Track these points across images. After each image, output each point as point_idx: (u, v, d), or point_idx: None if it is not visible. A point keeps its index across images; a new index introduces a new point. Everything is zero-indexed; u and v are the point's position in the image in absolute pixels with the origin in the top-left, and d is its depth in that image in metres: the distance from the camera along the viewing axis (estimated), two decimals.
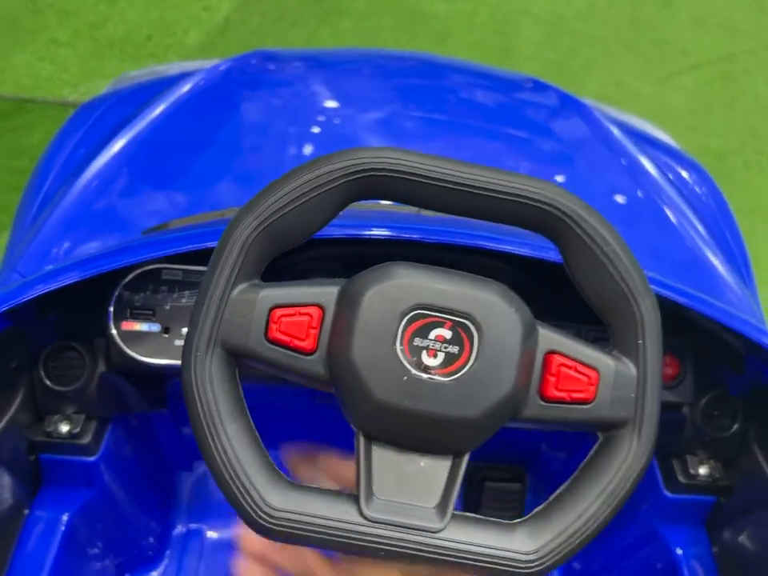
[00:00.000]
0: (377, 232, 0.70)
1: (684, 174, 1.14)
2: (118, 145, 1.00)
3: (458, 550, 0.49)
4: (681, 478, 0.82)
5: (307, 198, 0.50)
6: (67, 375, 0.76)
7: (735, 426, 0.80)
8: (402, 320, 0.49)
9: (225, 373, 0.50)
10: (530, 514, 0.52)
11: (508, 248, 0.69)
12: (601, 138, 1.08)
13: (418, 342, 0.48)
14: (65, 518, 0.83)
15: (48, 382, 0.76)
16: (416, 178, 0.50)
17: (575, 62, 2.57)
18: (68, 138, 1.11)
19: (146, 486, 1.03)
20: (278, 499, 0.49)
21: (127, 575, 1.03)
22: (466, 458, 0.51)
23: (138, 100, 1.15)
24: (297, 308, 0.50)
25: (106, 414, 0.83)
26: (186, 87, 1.16)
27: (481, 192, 0.51)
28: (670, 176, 1.09)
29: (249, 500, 0.48)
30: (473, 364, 0.48)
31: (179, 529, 1.10)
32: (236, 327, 0.49)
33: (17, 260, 0.88)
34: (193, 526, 1.11)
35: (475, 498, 1.13)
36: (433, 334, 0.49)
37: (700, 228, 0.95)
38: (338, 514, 0.50)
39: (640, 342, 0.51)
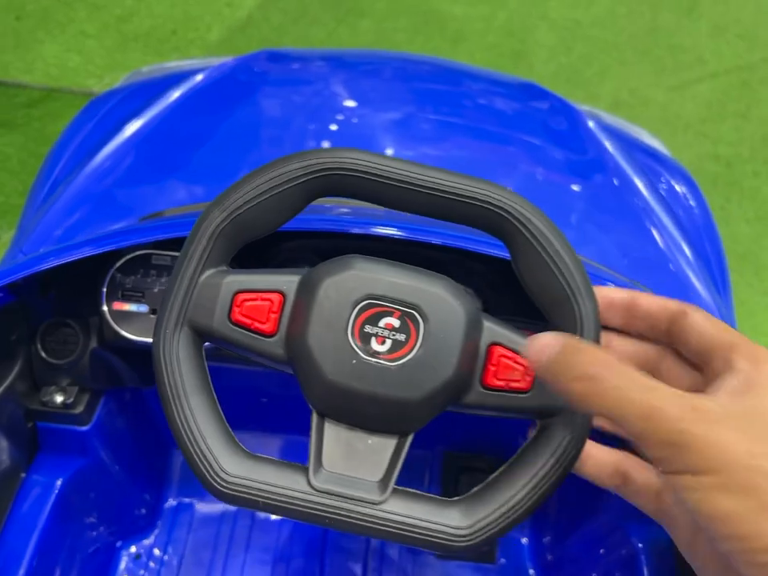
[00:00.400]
0: (385, 230, 0.73)
1: (676, 186, 1.16)
2: (123, 136, 1.06)
3: (396, 521, 0.53)
4: None
5: (272, 194, 0.54)
6: (62, 349, 0.82)
7: None
8: (354, 308, 0.53)
9: (191, 350, 0.55)
10: (468, 494, 0.56)
11: (480, 248, 0.72)
12: (593, 152, 1.10)
13: (368, 329, 0.53)
14: (59, 482, 0.89)
15: (44, 355, 0.82)
16: (374, 178, 0.54)
17: (589, 68, 2.58)
18: (80, 127, 1.17)
19: (138, 459, 1.08)
20: (232, 466, 0.54)
21: (120, 542, 1.09)
22: (410, 438, 0.56)
23: (146, 94, 1.21)
24: (259, 293, 0.55)
25: (99, 386, 0.88)
26: (191, 83, 1.22)
27: (434, 192, 0.54)
28: (662, 191, 1.11)
29: (206, 465, 0.53)
30: (417, 351, 0.52)
31: (170, 502, 1.16)
32: (202, 309, 0.54)
33: (24, 241, 0.94)
34: (184, 500, 1.16)
35: (452, 487, 1.17)
36: (382, 323, 0.53)
37: (684, 247, 0.97)
38: (287, 483, 0.54)
39: (578, 337, 0.55)
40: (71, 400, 0.85)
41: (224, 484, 0.53)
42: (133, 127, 1.08)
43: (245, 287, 0.55)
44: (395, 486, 0.55)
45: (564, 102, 1.22)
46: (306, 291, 0.54)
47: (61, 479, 0.89)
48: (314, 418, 0.55)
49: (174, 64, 1.39)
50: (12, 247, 0.95)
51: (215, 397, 0.56)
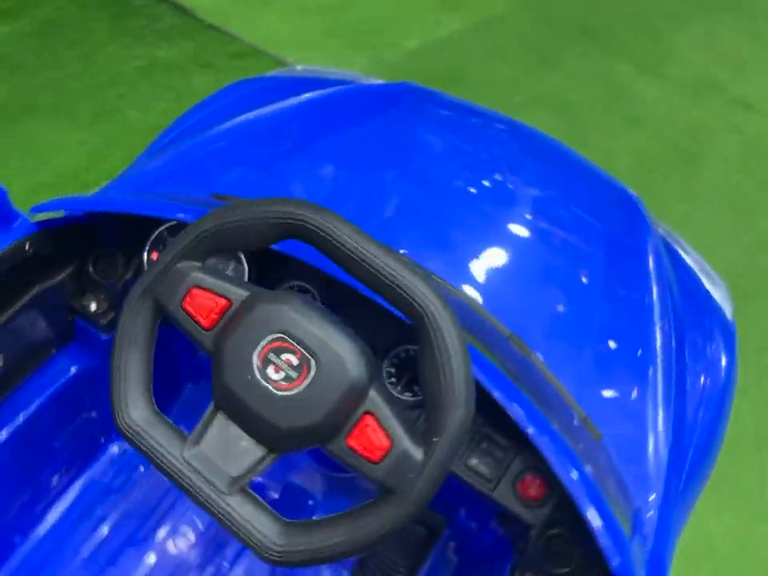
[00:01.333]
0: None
1: (712, 345, 1.13)
2: (241, 119, 1.24)
3: (229, 514, 0.65)
4: None
5: (243, 224, 0.67)
6: (106, 272, 1.02)
7: (566, 570, 0.84)
8: (269, 336, 0.65)
9: (148, 317, 0.70)
10: (300, 521, 0.66)
11: None
12: (635, 288, 1.09)
13: (271, 356, 0.64)
14: (73, 369, 1.10)
15: (91, 270, 1.02)
16: (332, 240, 0.65)
17: (757, 195, 2.42)
18: (220, 98, 1.38)
19: None
20: (135, 413, 0.68)
21: (113, 437, 1.29)
22: (275, 456, 0.66)
23: (288, 90, 1.38)
24: (210, 294, 0.68)
25: None
26: (329, 90, 1.37)
27: (370, 268, 0.64)
28: (688, 345, 1.08)
29: (119, 405, 0.68)
30: (300, 391, 0.63)
31: None
32: (166, 289, 0.69)
33: (126, 178, 1.15)
34: (181, 427, 1.35)
35: None
36: (284, 356, 0.64)
37: (660, 418, 0.94)
38: (166, 444, 0.68)
39: (436, 440, 0.62)
40: (101, 311, 1.04)
41: (124, 426, 0.68)
42: (253, 115, 1.26)
43: (202, 284, 0.69)
44: (246, 488, 0.66)
45: (643, 227, 1.22)
46: (246, 307, 0.67)
47: (76, 367, 1.10)
48: (211, 406, 0.68)
49: (325, 69, 1.55)
50: (118, 179, 1.17)
51: (152, 357, 0.71)
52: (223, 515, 0.66)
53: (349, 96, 1.39)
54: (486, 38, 2.86)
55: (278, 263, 0.96)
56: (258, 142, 1.21)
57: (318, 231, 0.65)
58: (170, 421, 0.70)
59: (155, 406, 0.71)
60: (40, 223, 0.92)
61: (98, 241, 1.02)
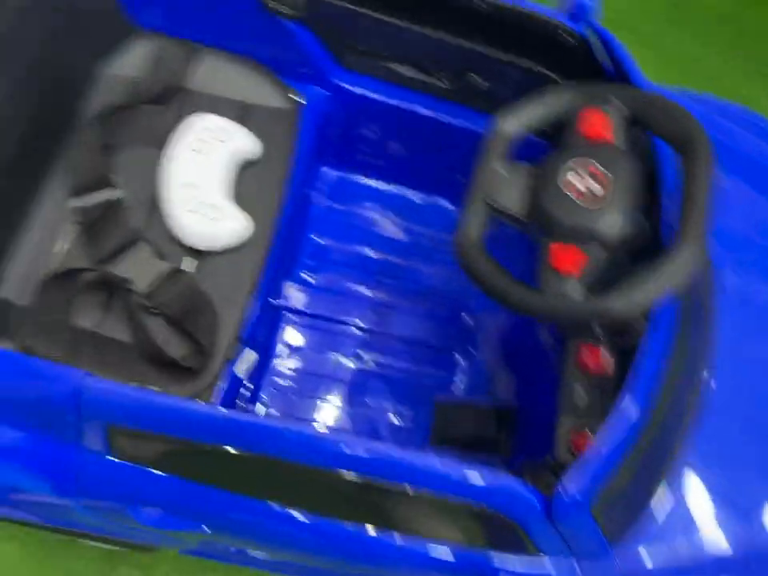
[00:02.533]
0: None
1: None
2: None
3: (470, 205, 0.91)
4: None
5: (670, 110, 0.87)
6: None
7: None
8: (592, 158, 0.86)
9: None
10: (498, 265, 0.87)
11: None
12: None
13: (582, 172, 0.85)
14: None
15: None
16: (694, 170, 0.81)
17: None
18: None
19: None
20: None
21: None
22: (525, 223, 0.89)
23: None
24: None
25: None
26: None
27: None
28: None
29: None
30: (575, 205, 0.84)
31: None
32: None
33: None
34: None
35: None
36: (593, 180, 0.85)
37: None
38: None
39: (597, 300, 0.79)
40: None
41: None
42: None
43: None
44: (487, 221, 0.92)
45: None
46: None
47: None
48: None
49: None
50: None
51: None
52: (467, 203, 0.90)
53: None
54: None
55: None
56: None
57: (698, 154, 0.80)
58: None
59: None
60: None
61: None
